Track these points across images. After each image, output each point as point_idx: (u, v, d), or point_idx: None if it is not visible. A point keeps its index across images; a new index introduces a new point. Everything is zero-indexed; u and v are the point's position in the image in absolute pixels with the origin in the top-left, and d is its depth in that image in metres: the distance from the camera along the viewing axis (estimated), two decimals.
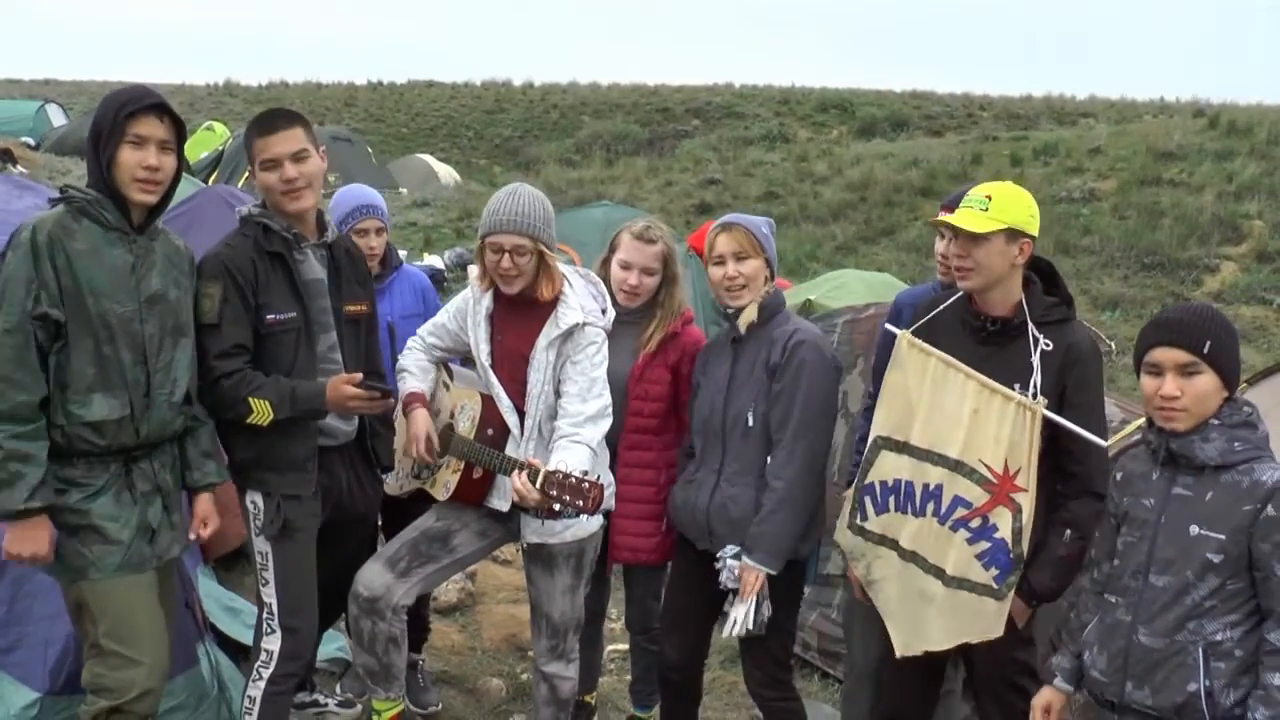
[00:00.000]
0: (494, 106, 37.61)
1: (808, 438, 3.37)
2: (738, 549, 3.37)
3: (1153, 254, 13.90)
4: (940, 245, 3.55)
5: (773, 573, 3.34)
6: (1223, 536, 2.50)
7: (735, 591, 3.38)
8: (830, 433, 3.50)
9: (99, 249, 2.89)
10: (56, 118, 26.11)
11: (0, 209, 4.08)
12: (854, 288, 8.21)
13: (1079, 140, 18.94)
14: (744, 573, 3.34)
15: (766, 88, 38.19)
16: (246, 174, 20.43)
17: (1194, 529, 2.54)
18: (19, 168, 17.40)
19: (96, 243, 2.89)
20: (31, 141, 22.72)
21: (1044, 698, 2.91)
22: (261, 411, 3.12)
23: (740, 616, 3.35)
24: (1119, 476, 2.81)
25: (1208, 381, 2.55)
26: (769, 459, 3.39)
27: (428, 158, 25.45)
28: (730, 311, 3.50)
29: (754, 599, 3.35)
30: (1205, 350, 2.54)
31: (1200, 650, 2.51)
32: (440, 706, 4.45)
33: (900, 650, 3.23)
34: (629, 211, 11.53)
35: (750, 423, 3.42)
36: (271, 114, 3.35)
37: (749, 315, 3.44)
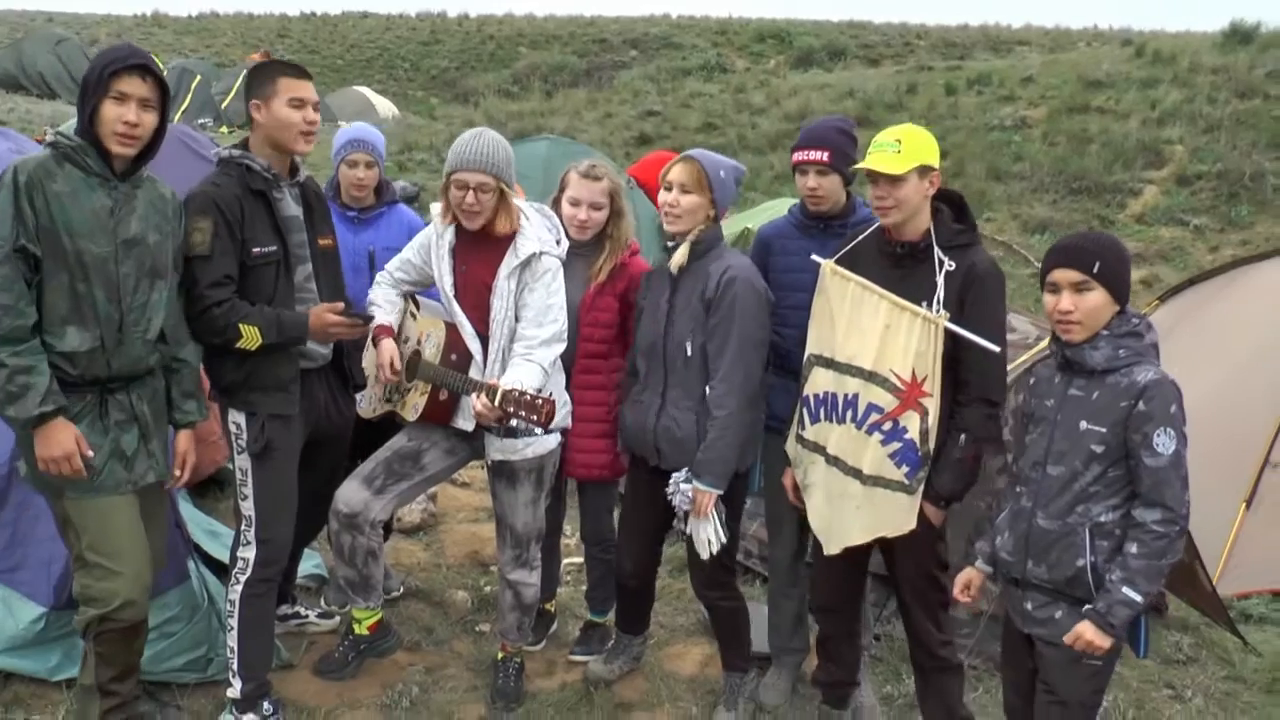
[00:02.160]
0: (429, 38, 37.13)
1: (744, 367, 3.62)
2: (688, 474, 3.66)
3: (1080, 179, 14.39)
4: (808, 180, 3.78)
5: (721, 493, 3.66)
6: (1104, 429, 2.88)
7: (689, 513, 3.69)
8: (764, 360, 3.75)
9: (78, 192, 3.07)
10: None
11: None
12: None
13: (1011, 70, 19.27)
14: (697, 495, 3.64)
15: (704, 18, 38.18)
16: (184, 107, 20.23)
17: (1083, 424, 2.92)
18: None
19: (77, 186, 3.07)
20: None
21: (965, 576, 3.32)
22: (250, 337, 3.36)
23: (711, 535, 3.68)
24: (1032, 382, 3.18)
25: (1098, 298, 2.91)
26: (709, 388, 3.65)
27: (365, 90, 25.21)
28: (670, 243, 3.75)
29: (713, 517, 3.67)
30: (1095, 270, 2.89)
31: (1086, 531, 2.91)
32: (401, 591, 4.79)
33: (826, 549, 3.58)
34: (571, 145, 11.66)
35: (689, 352, 3.67)
36: (299, 65, 3.63)
37: (679, 258, 3.67)
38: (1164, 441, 2.80)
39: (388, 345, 3.80)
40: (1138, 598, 2.81)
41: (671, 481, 3.68)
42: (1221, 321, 6.78)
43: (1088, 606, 2.89)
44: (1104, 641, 2.85)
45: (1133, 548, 2.83)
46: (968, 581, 3.30)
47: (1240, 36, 17.77)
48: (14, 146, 4.48)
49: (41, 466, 3.08)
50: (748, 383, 3.62)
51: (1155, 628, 5.02)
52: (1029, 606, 3.06)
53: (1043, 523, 2.98)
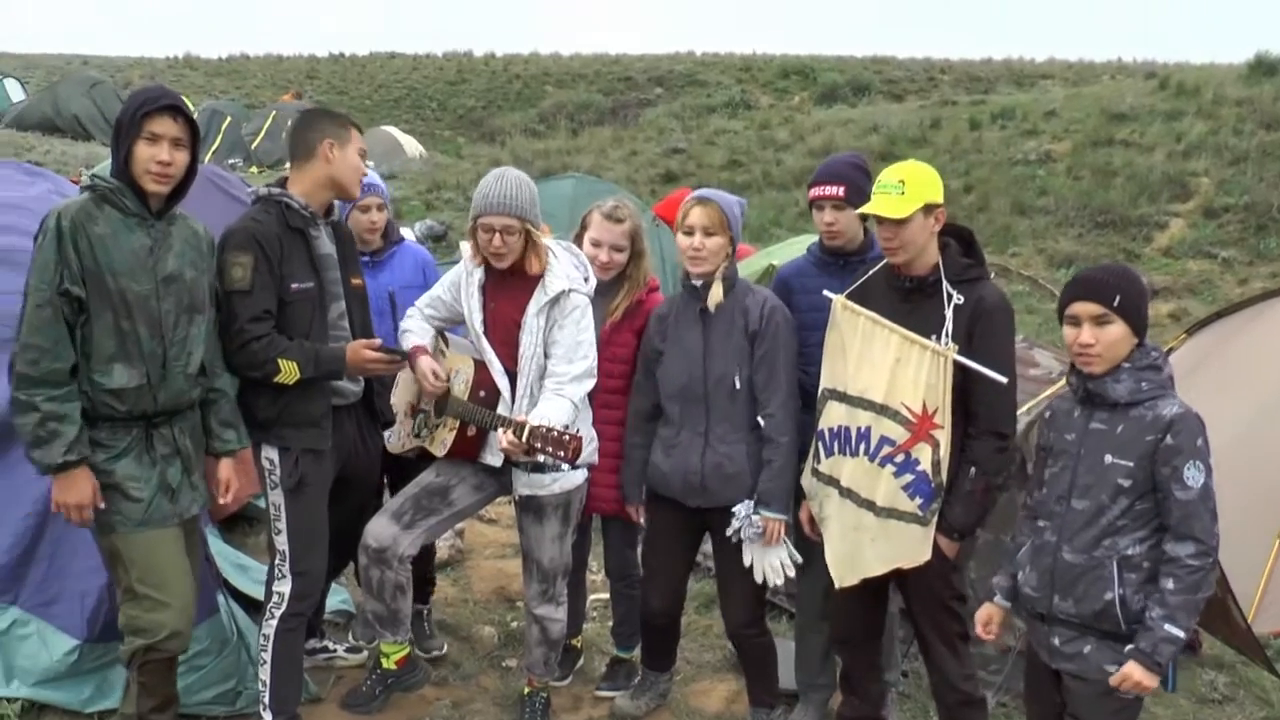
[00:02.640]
0: (456, 77, 37.52)
1: (793, 394, 3.75)
2: (753, 505, 3.72)
3: (1105, 213, 14.37)
4: (824, 215, 3.84)
5: (788, 518, 3.73)
6: (1130, 463, 2.88)
7: (743, 542, 3.74)
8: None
9: (118, 233, 3.17)
10: (15, 93, 25.85)
11: (17, 195, 4.35)
12: None
13: (1035, 104, 19.31)
14: (768, 524, 3.70)
15: (728, 55, 38.37)
16: (215, 147, 20.57)
17: (1108, 458, 2.92)
18: None
19: (116, 227, 3.17)
20: None
21: (985, 612, 3.30)
22: (289, 371, 3.43)
23: (785, 559, 3.76)
24: (1048, 415, 3.19)
25: (1118, 330, 2.92)
26: (763, 418, 3.73)
27: (393, 130, 25.46)
28: (696, 283, 3.82)
29: (785, 543, 3.76)
30: (1115, 303, 2.91)
31: (1114, 564, 2.90)
32: (444, 650, 4.75)
33: (839, 581, 3.60)
34: (597, 184, 11.76)
35: (737, 385, 3.74)
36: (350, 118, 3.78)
37: (716, 296, 3.76)
38: (1193, 474, 2.81)
39: (425, 360, 3.85)
40: (1180, 633, 2.81)
41: (738, 517, 3.72)
42: (1250, 354, 6.72)
43: (1130, 646, 2.87)
44: (1152, 681, 2.84)
45: (1169, 583, 2.82)
46: (988, 618, 3.30)
47: (1265, 68, 17.75)
48: (52, 187, 4.59)
49: (54, 508, 3.17)
50: (795, 407, 3.74)
51: (1189, 665, 4.97)
52: (1056, 641, 3.05)
53: (1069, 557, 2.97)
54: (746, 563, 3.79)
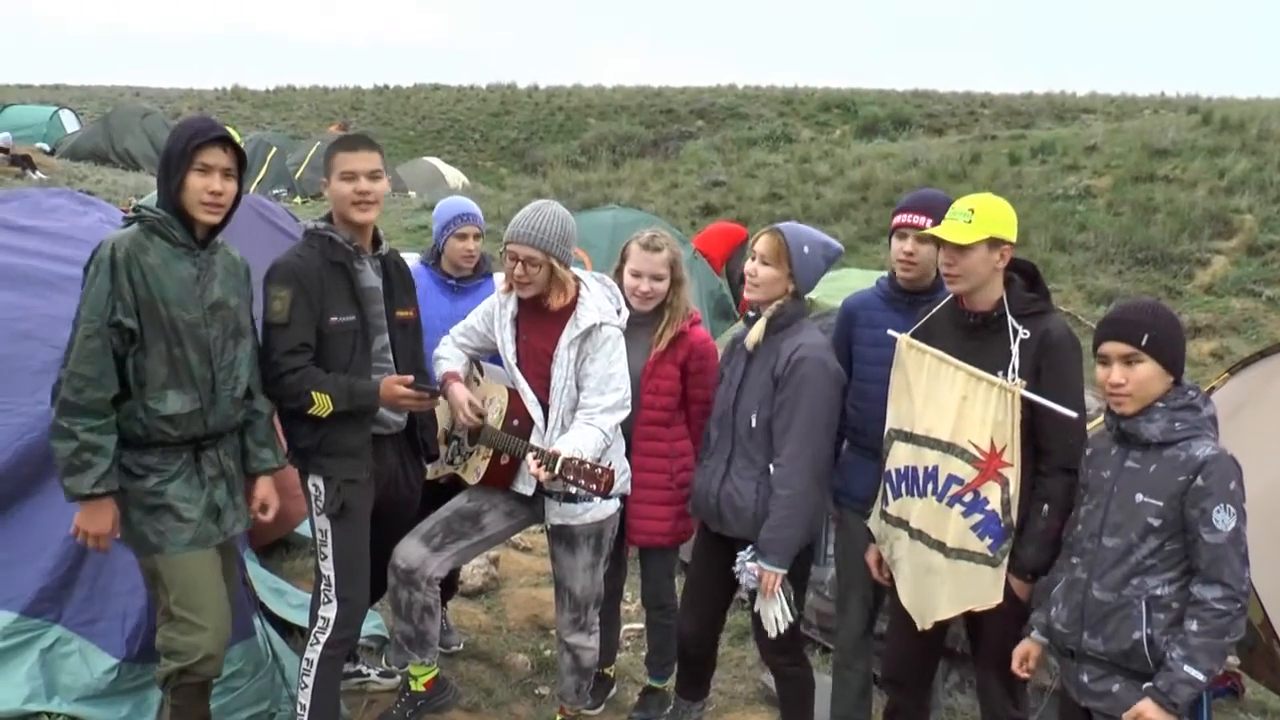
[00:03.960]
0: (499, 109, 37.98)
1: (810, 447, 3.65)
2: (753, 552, 3.68)
3: (1146, 249, 14.20)
4: (905, 244, 3.77)
5: (785, 572, 3.67)
6: (1160, 503, 2.87)
7: (754, 591, 3.71)
8: (833, 439, 3.78)
9: (168, 263, 3.25)
10: (70, 123, 26.43)
11: (69, 224, 4.46)
12: (856, 286, 8.54)
13: (1075, 138, 19.17)
14: (763, 575, 3.66)
15: (769, 88, 38.56)
16: (260, 177, 20.92)
17: (1139, 496, 2.91)
18: (38, 174, 17.82)
19: (166, 257, 3.26)
20: (46, 147, 23.06)
21: (1022, 648, 3.29)
22: (322, 404, 3.49)
23: (777, 614, 3.70)
24: (1089, 452, 3.18)
25: (1148, 369, 2.91)
26: (773, 466, 3.67)
27: (435, 161, 25.80)
28: (751, 313, 3.81)
29: (779, 596, 3.69)
30: (1144, 342, 2.90)
31: (1143, 603, 2.88)
32: (461, 646, 4.84)
33: (920, 624, 3.52)
34: (636, 215, 11.83)
35: (753, 424, 3.72)
36: (356, 137, 3.76)
37: (754, 337, 3.73)
38: (1223, 518, 2.78)
39: (459, 388, 3.89)
40: (1200, 676, 2.78)
41: (738, 560, 3.71)
42: None
43: (1148, 684, 2.85)
44: None
45: (1193, 625, 2.80)
46: (1025, 654, 3.28)
47: None
48: (104, 216, 4.70)
49: (73, 532, 3.26)
50: (814, 462, 3.65)
51: (1231, 710, 4.90)
52: (1085, 679, 3.03)
53: (1098, 594, 2.96)
54: (755, 608, 3.77)
